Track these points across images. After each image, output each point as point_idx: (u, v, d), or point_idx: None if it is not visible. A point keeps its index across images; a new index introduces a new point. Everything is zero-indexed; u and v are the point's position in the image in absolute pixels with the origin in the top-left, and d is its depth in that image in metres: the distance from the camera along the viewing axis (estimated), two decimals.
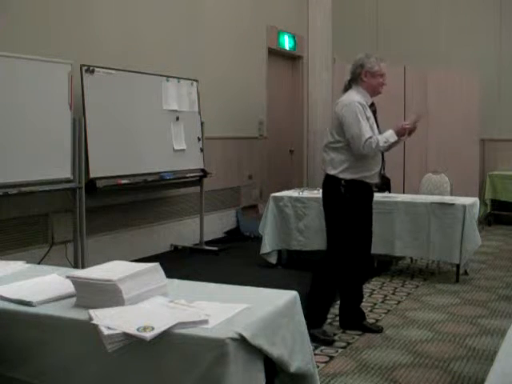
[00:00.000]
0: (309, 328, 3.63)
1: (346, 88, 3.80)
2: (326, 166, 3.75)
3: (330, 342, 3.68)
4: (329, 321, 4.04)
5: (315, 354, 3.17)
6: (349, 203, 3.69)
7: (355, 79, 3.76)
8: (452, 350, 3.55)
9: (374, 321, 4.07)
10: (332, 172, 3.69)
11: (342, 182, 3.66)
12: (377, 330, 3.90)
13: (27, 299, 2.12)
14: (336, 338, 3.76)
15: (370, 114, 3.69)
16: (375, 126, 3.73)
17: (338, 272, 3.78)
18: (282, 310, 2.09)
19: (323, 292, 3.79)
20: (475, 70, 7.71)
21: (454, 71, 7.80)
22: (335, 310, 4.29)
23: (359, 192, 3.72)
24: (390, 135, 3.64)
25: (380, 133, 3.73)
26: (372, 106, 3.77)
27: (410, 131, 3.65)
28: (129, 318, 1.93)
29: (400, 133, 3.64)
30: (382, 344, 3.66)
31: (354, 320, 3.92)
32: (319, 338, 3.66)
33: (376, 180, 3.80)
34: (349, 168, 3.66)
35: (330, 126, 3.74)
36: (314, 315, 3.66)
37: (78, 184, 4.80)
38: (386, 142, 3.62)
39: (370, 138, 3.57)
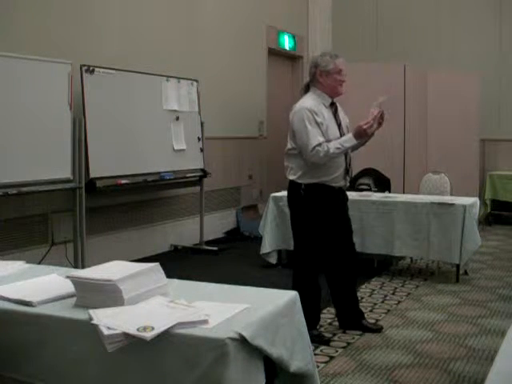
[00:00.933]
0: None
1: (304, 91, 3.71)
2: (286, 171, 3.74)
3: (325, 342, 3.67)
4: (329, 321, 4.04)
5: (315, 354, 3.17)
6: (310, 206, 3.65)
7: (312, 81, 3.67)
8: (452, 350, 3.55)
9: (373, 321, 4.07)
10: (292, 177, 3.69)
11: (302, 186, 3.64)
12: (376, 329, 3.89)
13: (27, 299, 2.12)
14: (336, 338, 3.76)
15: (325, 116, 3.59)
16: (335, 128, 3.64)
17: (305, 272, 3.74)
18: (282, 310, 2.09)
19: (304, 296, 3.76)
20: (475, 69, 7.72)
21: (454, 71, 7.79)
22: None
23: (321, 195, 3.65)
24: (346, 139, 3.55)
25: (346, 133, 3.66)
26: (332, 105, 3.69)
27: (372, 129, 3.51)
28: (129, 318, 1.93)
29: (359, 135, 3.52)
30: (381, 344, 3.66)
31: (352, 320, 3.91)
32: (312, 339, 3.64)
33: (340, 183, 3.69)
34: (306, 173, 3.62)
35: (289, 130, 3.71)
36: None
37: (78, 184, 4.80)
38: (339, 148, 3.51)
39: (319, 145, 3.48)
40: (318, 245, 3.70)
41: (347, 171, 3.71)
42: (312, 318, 3.66)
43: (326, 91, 3.64)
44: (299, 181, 3.64)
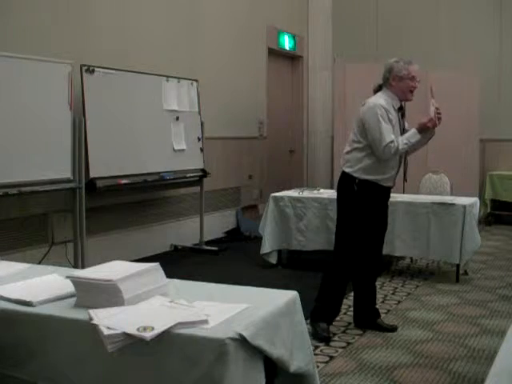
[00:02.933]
0: (317, 320, 3.68)
1: (376, 90, 3.81)
2: (343, 162, 3.79)
3: (326, 339, 3.69)
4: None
5: (315, 354, 3.17)
6: (360, 202, 3.72)
7: (385, 83, 3.77)
8: (452, 350, 3.55)
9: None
10: (348, 170, 3.73)
11: (356, 180, 3.70)
12: (391, 329, 3.90)
13: (27, 299, 2.12)
14: (336, 338, 3.76)
15: (394, 117, 3.70)
16: (399, 131, 3.75)
17: (346, 268, 3.81)
18: (282, 309, 2.09)
19: (333, 288, 3.81)
20: (475, 70, 7.71)
21: (454, 71, 7.78)
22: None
23: (371, 192, 3.73)
24: (411, 135, 3.66)
25: None
26: (400, 109, 3.80)
27: (435, 123, 3.66)
28: (129, 317, 1.94)
29: (422, 129, 3.65)
30: (382, 344, 3.66)
31: (368, 318, 3.94)
32: (318, 333, 3.70)
33: (390, 184, 3.81)
34: (364, 168, 3.69)
35: (354, 123, 3.77)
36: (324, 309, 3.77)
37: (78, 184, 4.80)
38: (406, 144, 3.63)
39: (391, 142, 3.58)
40: (361, 239, 3.77)
41: (397, 172, 3.83)
42: (333, 311, 3.83)
43: (397, 94, 3.75)
44: (355, 174, 3.70)
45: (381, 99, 3.70)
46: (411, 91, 3.76)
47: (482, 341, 3.71)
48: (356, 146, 3.72)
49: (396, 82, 3.72)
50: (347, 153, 3.77)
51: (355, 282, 3.97)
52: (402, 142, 3.63)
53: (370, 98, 3.76)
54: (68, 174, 4.72)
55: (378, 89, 3.80)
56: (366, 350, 3.55)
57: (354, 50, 8.78)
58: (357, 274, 3.91)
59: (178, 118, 5.96)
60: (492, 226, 7.97)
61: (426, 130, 3.67)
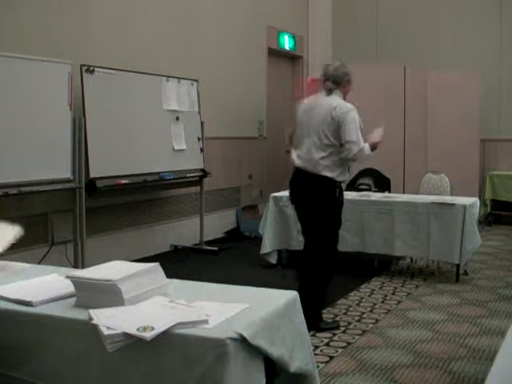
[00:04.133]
0: (317, 321, 3.83)
1: (330, 90, 3.89)
2: (316, 166, 3.82)
3: (337, 325, 3.93)
4: (329, 321, 4.04)
5: (315, 354, 3.17)
6: (338, 204, 3.91)
7: (338, 86, 3.89)
8: (452, 350, 3.55)
9: (374, 321, 4.07)
10: (330, 174, 3.81)
11: (337, 184, 3.85)
12: (334, 327, 3.91)
13: (27, 299, 2.12)
14: (336, 337, 3.77)
15: None
16: None
17: (328, 266, 3.92)
18: (282, 310, 2.09)
19: (315, 291, 3.87)
20: (475, 70, 7.71)
21: (454, 71, 7.79)
22: (335, 309, 4.30)
23: (342, 192, 3.95)
24: (368, 148, 3.82)
25: None
26: None
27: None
28: (129, 318, 1.93)
29: (373, 147, 3.84)
30: (382, 344, 3.66)
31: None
32: (328, 328, 3.84)
33: (346, 181, 4.19)
34: (341, 171, 3.86)
35: (321, 126, 3.81)
36: (311, 316, 3.68)
37: (78, 184, 4.80)
38: (368, 152, 3.81)
39: (363, 146, 3.77)
40: (336, 235, 3.94)
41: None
42: (322, 304, 4.01)
43: (343, 97, 3.93)
44: (338, 179, 3.85)
45: (345, 102, 3.85)
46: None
47: (482, 341, 3.71)
48: (331, 150, 3.80)
49: (348, 85, 3.94)
50: (323, 158, 3.80)
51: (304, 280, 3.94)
52: (368, 149, 3.80)
53: (321, 99, 3.88)
54: (68, 174, 4.72)
55: (331, 90, 3.89)
56: (366, 350, 3.56)
57: (354, 50, 8.78)
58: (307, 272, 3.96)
59: (177, 118, 5.96)
60: (492, 226, 7.97)
61: (374, 149, 3.86)
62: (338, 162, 3.81)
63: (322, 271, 3.90)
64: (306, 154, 3.87)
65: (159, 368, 1.86)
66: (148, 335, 1.80)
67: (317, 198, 3.86)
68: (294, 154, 3.99)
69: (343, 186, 4.05)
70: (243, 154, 7.62)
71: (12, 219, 4.65)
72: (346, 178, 3.97)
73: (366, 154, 3.78)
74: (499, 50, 8.32)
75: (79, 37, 5.21)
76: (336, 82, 3.87)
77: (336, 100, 3.83)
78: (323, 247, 3.89)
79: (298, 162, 3.93)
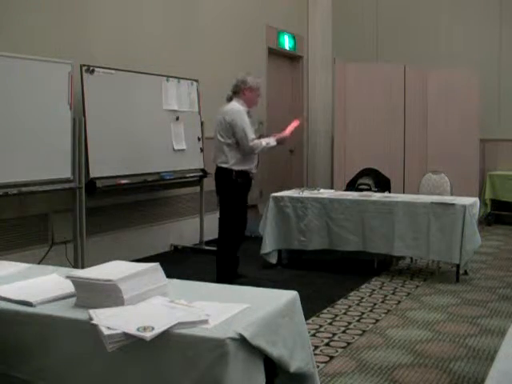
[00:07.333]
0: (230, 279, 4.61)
1: (230, 99, 4.86)
2: (217, 160, 4.82)
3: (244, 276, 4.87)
4: (329, 321, 4.05)
5: (315, 354, 3.17)
6: (238, 187, 4.81)
7: (237, 93, 4.82)
8: (452, 350, 3.55)
9: (374, 321, 4.07)
10: (225, 165, 4.77)
11: (233, 172, 4.75)
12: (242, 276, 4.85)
13: (27, 299, 2.13)
14: (336, 337, 3.77)
15: (249, 120, 4.77)
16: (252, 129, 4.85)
17: (233, 236, 4.90)
18: (282, 309, 2.10)
19: (230, 250, 4.92)
20: (475, 69, 7.71)
21: (453, 71, 7.79)
22: (335, 309, 4.31)
23: (245, 178, 4.84)
24: (271, 141, 4.90)
25: None
26: (248, 113, 4.81)
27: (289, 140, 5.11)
28: (129, 318, 1.94)
29: (280, 142, 4.99)
30: (382, 344, 3.66)
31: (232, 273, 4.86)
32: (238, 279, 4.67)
33: (254, 171, 4.95)
34: (238, 162, 4.76)
35: (217, 128, 4.81)
36: (225, 275, 4.78)
37: (78, 184, 4.80)
38: (267, 144, 4.85)
39: (254, 139, 4.74)
40: (240, 213, 4.91)
41: (257, 165, 4.99)
42: (235, 266, 4.96)
43: (247, 102, 4.83)
44: (233, 168, 4.76)
45: (240, 106, 4.77)
46: (256, 101, 4.92)
47: (482, 341, 3.71)
48: (225, 147, 4.74)
49: (248, 92, 4.81)
50: (222, 151, 4.76)
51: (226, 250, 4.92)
52: (265, 142, 4.83)
53: (225, 106, 4.83)
54: (68, 174, 4.72)
55: (230, 98, 4.84)
56: (366, 350, 3.56)
57: (354, 50, 8.78)
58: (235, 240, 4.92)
59: (177, 118, 5.96)
60: (492, 226, 7.97)
61: (282, 143, 5.02)
62: (233, 154, 4.75)
63: (228, 240, 4.89)
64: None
65: (159, 368, 1.86)
66: (148, 335, 1.80)
67: (218, 185, 4.93)
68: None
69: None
70: None
71: (12, 219, 4.70)
72: (242, 167, 4.78)
73: (262, 145, 4.78)
74: (499, 50, 8.31)
75: (79, 37, 5.21)
76: (234, 91, 4.82)
77: (229, 106, 4.78)
78: (227, 222, 4.90)
79: None
